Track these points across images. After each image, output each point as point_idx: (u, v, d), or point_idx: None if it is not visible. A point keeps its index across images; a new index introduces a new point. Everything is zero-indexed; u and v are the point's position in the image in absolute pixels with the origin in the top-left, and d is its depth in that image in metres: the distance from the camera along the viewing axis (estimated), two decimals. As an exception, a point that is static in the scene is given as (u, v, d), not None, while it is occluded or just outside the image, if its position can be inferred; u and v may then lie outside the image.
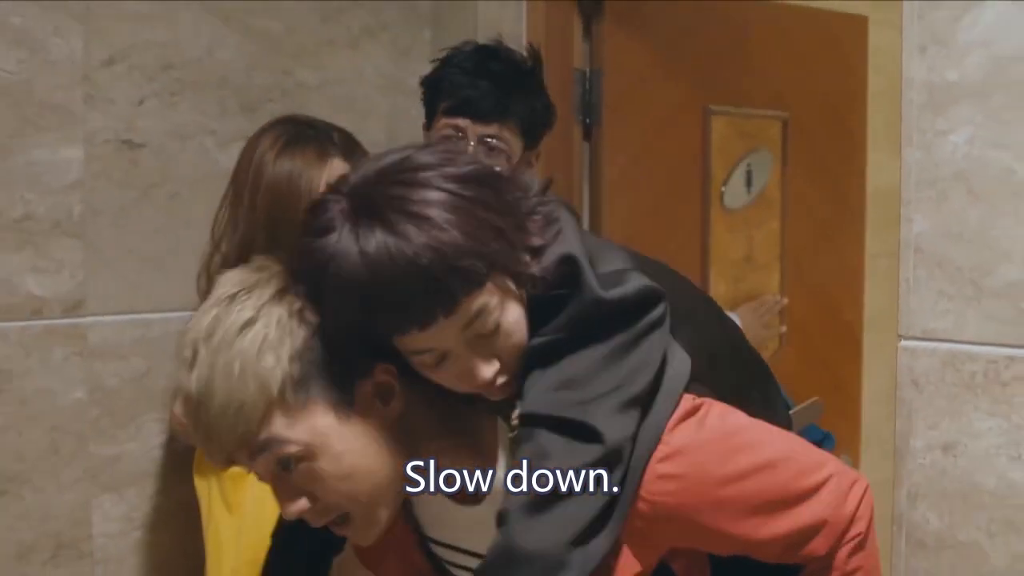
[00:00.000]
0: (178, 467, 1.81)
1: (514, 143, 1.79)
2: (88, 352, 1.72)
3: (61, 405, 1.69)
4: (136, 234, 1.78)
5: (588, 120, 2.23)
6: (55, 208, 1.67)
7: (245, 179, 1.58)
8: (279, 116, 1.64)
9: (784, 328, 2.46)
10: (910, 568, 1.45)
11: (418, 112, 1.91)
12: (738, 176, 2.41)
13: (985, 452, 1.37)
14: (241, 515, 1.52)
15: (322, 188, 1.54)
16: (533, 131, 1.83)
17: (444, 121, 1.80)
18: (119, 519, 1.78)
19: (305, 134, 1.59)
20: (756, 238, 2.42)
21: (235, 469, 1.49)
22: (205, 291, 1.62)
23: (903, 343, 1.45)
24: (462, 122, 1.77)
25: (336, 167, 1.57)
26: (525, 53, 1.84)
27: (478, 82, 1.76)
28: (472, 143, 1.76)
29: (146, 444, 1.80)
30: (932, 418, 1.42)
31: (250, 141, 1.62)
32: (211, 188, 1.85)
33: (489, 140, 1.77)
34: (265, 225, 1.55)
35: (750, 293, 2.44)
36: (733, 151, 2.39)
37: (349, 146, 1.62)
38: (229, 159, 1.87)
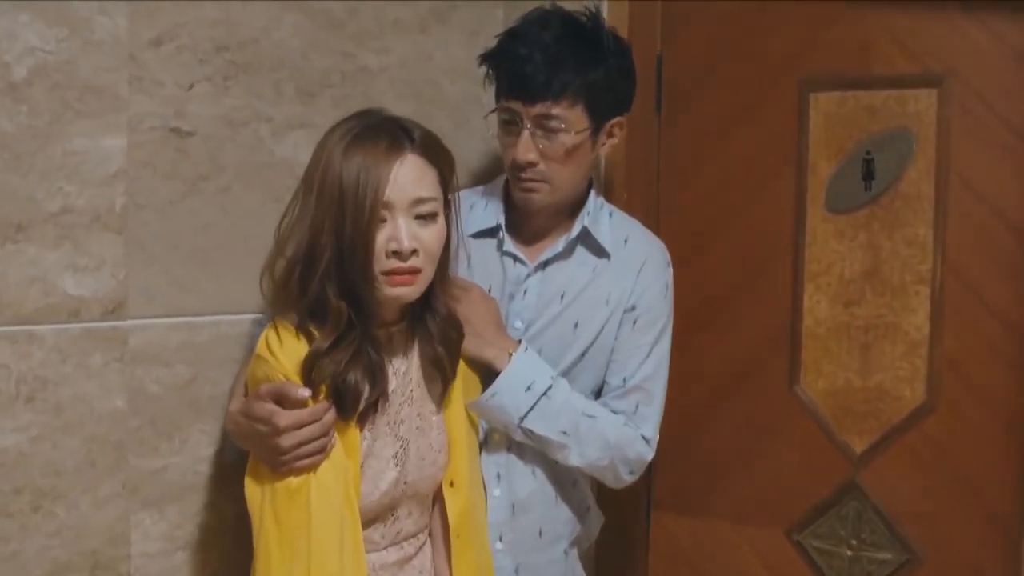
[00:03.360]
0: (226, 482, 1.68)
1: (575, 120, 1.66)
2: (129, 357, 1.58)
3: (99, 414, 1.56)
4: (183, 229, 1.64)
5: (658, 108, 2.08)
6: (95, 201, 1.53)
7: (313, 175, 1.45)
8: (360, 110, 1.49)
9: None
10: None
11: (489, 100, 1.79)
12: (851, 168, 1.97)
13: None
14: (292, 535, 1.40)
15: (391, 183, 1.41)
16: (598, 105, 1.68)
17: (501, 105, 1.71)
18: (160, 537, 1.64)
19: (380, 127, 1.45)
20: (886, 248, 1.95)
21: (291, 481, 1.40)
22: (269, 295, 1.49)
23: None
24: (515, 105, 1.68)
25: (410, 162, 1.43)
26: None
27: (533, 55, 1.64)
28: (528, 127, 1.65)
29: (191, 457, 1.67)
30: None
31: (323, 135, 1.48)
32: (265, 180, 1.73)
33: (545, 121, 1.65)
34: (332, 226, 1.42)
35: (874, 320, 1.95)
36: (844, 137, 1.97)
37: (431, 145, 1.48)
38: (284, 148, 1.75)
